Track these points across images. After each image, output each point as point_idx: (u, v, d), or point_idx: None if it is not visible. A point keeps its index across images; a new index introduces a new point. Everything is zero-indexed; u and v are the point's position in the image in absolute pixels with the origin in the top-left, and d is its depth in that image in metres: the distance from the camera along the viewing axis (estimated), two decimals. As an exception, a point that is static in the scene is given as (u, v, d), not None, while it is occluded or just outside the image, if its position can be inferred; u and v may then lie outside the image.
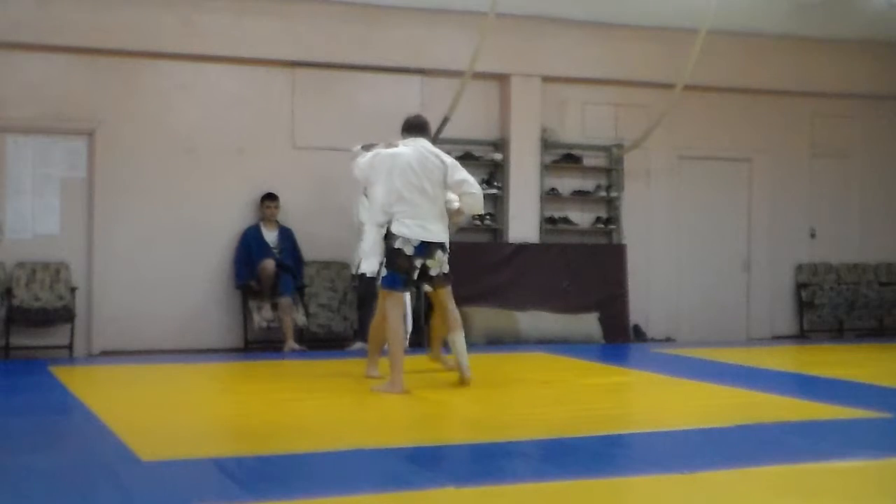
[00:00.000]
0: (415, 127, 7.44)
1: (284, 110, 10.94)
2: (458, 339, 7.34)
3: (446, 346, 7.60)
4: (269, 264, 10.34)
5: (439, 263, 7.23)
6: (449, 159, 7.36)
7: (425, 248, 7.15)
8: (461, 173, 7.30)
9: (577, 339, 10.94)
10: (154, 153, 10.54)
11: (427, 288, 7.43)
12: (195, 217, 10.63)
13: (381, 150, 7.37)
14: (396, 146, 7.35)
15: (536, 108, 11.58)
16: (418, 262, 7.14)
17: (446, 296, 7.37)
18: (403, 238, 7.09)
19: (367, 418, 6.45)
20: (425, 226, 7.14)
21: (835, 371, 8.56)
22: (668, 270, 12.29)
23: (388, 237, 7.17)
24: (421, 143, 7.34)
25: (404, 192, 7.11)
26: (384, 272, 7.22)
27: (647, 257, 12.12)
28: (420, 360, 8.18)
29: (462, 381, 7.34)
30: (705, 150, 12.43)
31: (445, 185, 7.26)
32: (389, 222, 7.15)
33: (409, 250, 7.11)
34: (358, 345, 10.19)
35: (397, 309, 7.22)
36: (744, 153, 12.63)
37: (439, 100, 10.93)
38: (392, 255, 7.14)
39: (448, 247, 7.31)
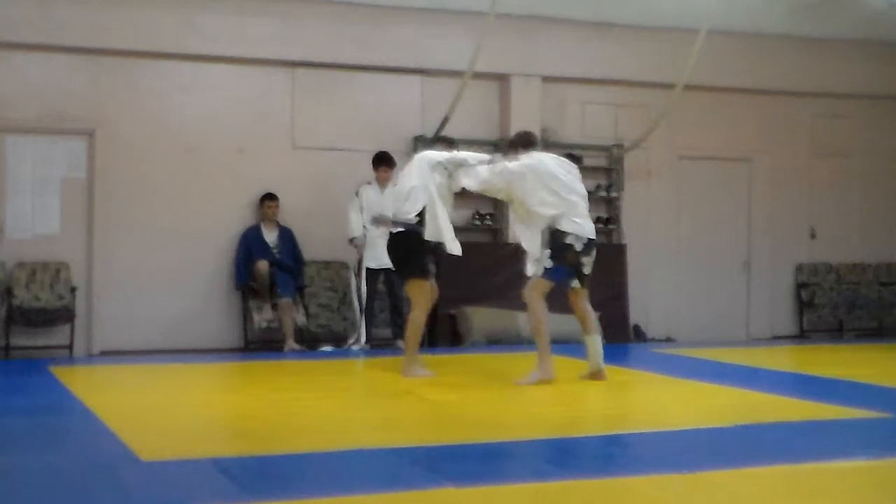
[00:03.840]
0: (533, 143, 7.82)
1: (284, 110, 10.94)
2: (597, 340, 7.74)
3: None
4: (263, 265, 10.35)
5: (591, 262, 7.56)
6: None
7: (589, 245, 7.48)
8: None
9: (577, 339, 10.90)
10: (154, 153, 10.54)
11: (575, 284, 7.62)
12: (195, 217, 10.64)
13: (515, 161, 7.60)
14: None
15: (536, 108, 11.58)
16: (583, 259, 7.48)
17: (585, 296, 7.71)
18: (575, 235, 7.39)
19: (367, 418, 6.46)
20: (588, 224, 7.51)
21: (835, 371, 8.56)
22: (668, 270, 12.29)
23: (557, 234, 7.39)
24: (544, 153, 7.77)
25: (563, 194, 7.42)
26: (549, 264, 7.40)
27: (647, 257, 12.12)
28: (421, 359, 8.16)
29: (594, 376, 7.70)
30: (705, 150, 12.43)
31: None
32: (556, 221, 7.38)
33: (578, 246, 7.41)
34: (357, 345, 10.18)
35: (544, 299, 7.52)
36: (744, 153, 12.64)
37: (439, 100, 10.93)
38: (562, 249, 7.40)
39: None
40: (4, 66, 10.16)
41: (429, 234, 7.70)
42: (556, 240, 7.40)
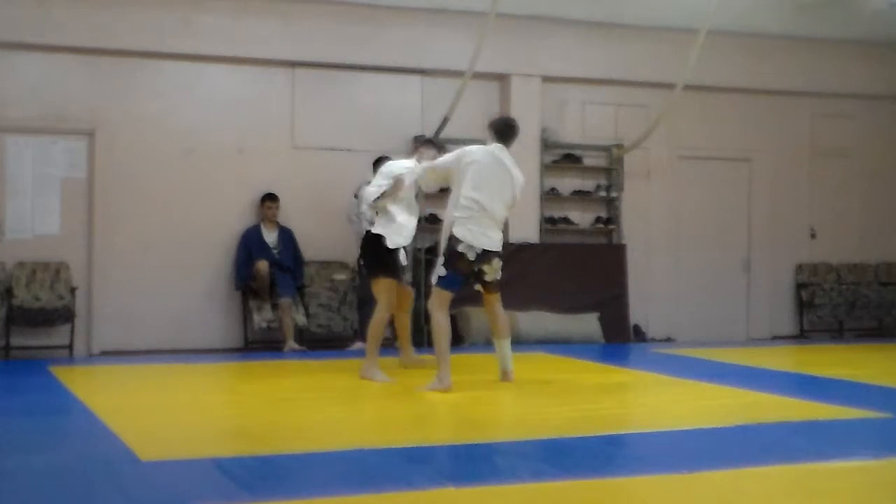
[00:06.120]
0: (501, 133, 7.53)
1: (284, 110, 10.94)
2: (505, 344, 7.58)
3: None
4: (263, 265, 10.35)
5: (495, 270, 7.40)
6: (520, 177, 7.52)
7: (485, 255, 7.29)
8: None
9: (577, 339, 10.94)
10: (154, 153, 10.54)
11: (477, 288, 7.54)
12: (195, 217, 10.64)
13: (466, 149, 7.52)
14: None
15: (536, 108, 11.58)
16: (476, 267, 7.31)
17: (496, 301, 7.56)
18: (467, 244, 7.21)
19: (367, 418, 6.46)
20: (487, 233, 7.28)
21: (835, 371, 8.56)
22: (668, 270, 12.29)
23: (452, 240, 7.26)
24: (499, 150, 7.45)
25: (473, 196, 7.23)
26: (442, 272, 7.32)
27: (647, 257, 12.12)
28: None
29: (503, 377, 7.58)
30: (705, 150, 12.43)
31: (511, 199, 7.46)
32: (454, 224, 7.27)
33: (471, 255, 7.24)
34: (358, 345, 10.18)
35: (446, 308, 7.36)
36: (744, 153, 12.64)
37: (439, 100, 10.93)
38: (454, 257, 7.25)
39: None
40: (4, 66, 10.16)
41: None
42: (449, 246, 7.28)
